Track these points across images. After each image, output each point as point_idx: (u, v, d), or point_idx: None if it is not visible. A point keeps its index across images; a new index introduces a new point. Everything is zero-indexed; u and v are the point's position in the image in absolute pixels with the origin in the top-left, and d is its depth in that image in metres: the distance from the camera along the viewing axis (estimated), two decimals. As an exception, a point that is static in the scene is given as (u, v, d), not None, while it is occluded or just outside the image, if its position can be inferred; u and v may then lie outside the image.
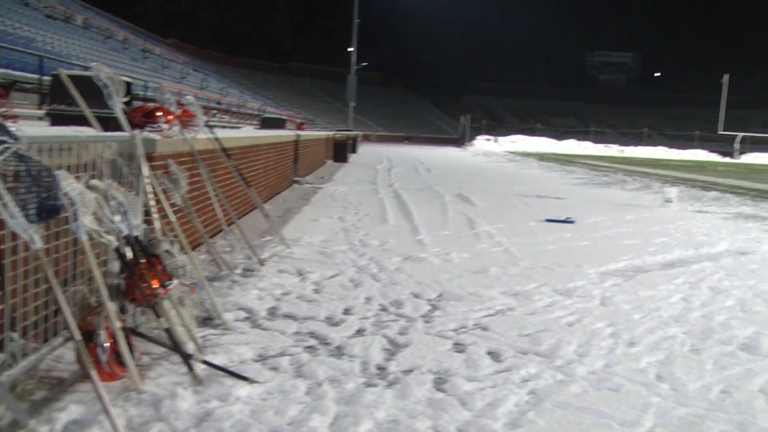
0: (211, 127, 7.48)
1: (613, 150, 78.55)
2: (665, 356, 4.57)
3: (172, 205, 5.47)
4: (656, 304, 6.05)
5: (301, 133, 20.73)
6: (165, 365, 3.93)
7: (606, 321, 5.36)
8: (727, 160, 71.66)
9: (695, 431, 3.46)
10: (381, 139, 78.89)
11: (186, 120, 6.40)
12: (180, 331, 4.15)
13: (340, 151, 29.17)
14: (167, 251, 4.50)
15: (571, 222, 11.39)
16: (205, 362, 3.96)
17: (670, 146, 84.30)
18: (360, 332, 4.82)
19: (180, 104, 6.60)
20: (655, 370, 4.29)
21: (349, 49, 56.70)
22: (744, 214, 14.24)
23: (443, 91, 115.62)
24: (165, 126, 5.86)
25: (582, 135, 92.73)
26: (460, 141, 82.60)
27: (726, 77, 79.59)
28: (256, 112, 30.92)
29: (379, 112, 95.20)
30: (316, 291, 5.97)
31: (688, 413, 3.66)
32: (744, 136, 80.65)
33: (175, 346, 3.92)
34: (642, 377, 4.16)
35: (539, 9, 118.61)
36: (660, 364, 4.42)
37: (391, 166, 28.28)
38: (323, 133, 29.60)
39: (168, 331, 3.94)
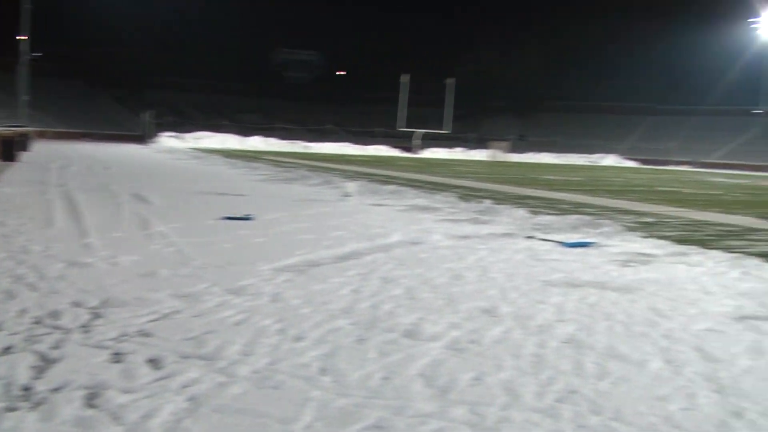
0: None
1: (299, 146, 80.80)
2: (330, 349, 4.64)
3: None
4: (326, 297, 6.15)
5: (-43, 129, 18.89)
6: None
7: (274, 317, 5.34)
8: (408, 155, 76.72)
9: (353, 420, 3.51)
10: (59, 136, 74.03)
11: None
12: None
13: (8, 150, 26.98)
14: None
15: (250, 219, 11.39)
16: None
17: (355, 142, 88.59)
18: (7, 350, 4.35)
19: None
20: (319, 364, 4.32)
21: (20, 37, 52.78)
22: (418, 206, 15.16)
23: (125, 86, 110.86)
24: None
25: (268, 131, 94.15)
26: (143, 138, 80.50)
27: (406, 77, 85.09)
28: None
29: (57, 107, 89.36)
30: (-40, 309, 5.35)
31: (347, 403, 3.72)
32: (426, 133, 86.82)
33: None
34: (305, 372, 4.17)
35: (224, 4, 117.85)
36: (324, 357, 4.47)
37: (66, 164, 26.61)
38: (-13, 130, 27.25)
39: None
